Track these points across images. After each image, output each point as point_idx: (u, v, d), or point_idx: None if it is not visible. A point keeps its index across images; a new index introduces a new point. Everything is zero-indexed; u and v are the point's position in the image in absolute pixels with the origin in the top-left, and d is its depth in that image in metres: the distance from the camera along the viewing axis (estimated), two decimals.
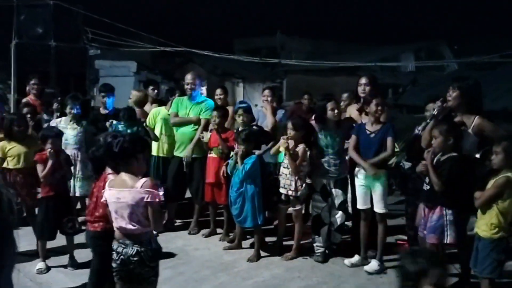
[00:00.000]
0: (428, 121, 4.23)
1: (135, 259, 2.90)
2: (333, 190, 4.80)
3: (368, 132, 4.59)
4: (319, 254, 4.88)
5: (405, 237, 5.10)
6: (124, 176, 2.96)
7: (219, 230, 5.61)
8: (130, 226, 2.91)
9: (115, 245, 2.99)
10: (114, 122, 5.66)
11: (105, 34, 9.84)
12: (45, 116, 5.99)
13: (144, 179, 2.90)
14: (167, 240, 5.24)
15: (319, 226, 4.87)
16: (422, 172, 4.05)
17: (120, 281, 3.02)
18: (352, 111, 5.23)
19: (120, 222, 2.94)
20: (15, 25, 8.14)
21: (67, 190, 4.78)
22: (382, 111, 4.55)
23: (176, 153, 5.77)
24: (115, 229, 3.01)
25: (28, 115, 5.59)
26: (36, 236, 4.56)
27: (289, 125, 4.85)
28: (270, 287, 4.30)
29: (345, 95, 5.99)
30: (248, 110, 5.33)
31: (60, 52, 8.28)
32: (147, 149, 3.22)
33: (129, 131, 5.42)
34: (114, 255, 2.97)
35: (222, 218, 5.59)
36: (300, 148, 4.76)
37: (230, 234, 5.44)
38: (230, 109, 5.96)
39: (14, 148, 4.77)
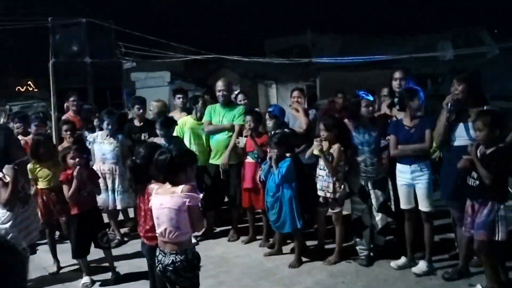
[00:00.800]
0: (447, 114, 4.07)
1: (170, 268, 2.94)
2: (372, 191, 4.64)
3: (407, 128, 4.42)
4: (363, 257, 4.73)
5: (452, 235, 4.87)
6: (169, 184, 3.01)
7: (258, 236, 5.56)
8: (169, 232, 2.95)
9: (157, 252, 3.06)
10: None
11: (138, 47, 10.04)
12: (86, 133, 6.12)
13: (183, 185, 2.93)
14: (207, 248, 5.25)
15: (361, 228, 4.72)
16: (465, 167, 3.83)
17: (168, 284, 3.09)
18: (386, 109, 5.06)
19: (161, 228, 2.99)
20: (52, 45, 8.39)
21: (96, 206, 4.72)
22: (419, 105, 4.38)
23: (212, 161, 5.76)
24: (157, 235, 3.04)
25: (68, 132, 5.74)
26: (72, 254, 4.62)
27: (321, 126, 4.75)
28: None
29: (385, 90, 5.78)
30: (275, 115, 5.26)
31: (95, 68, 8.46)
32: (196, 161, 3.22)
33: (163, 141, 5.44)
34: (156, 262, 3.04)
35: (261, 223, 5.53)
36: (335, 148, 4.63)
37: (270, 239, 5.37)
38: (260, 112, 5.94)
39: (42, 170, 4.87)
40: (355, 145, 4.66)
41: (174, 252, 2.96)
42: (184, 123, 5.91)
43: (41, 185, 4.87)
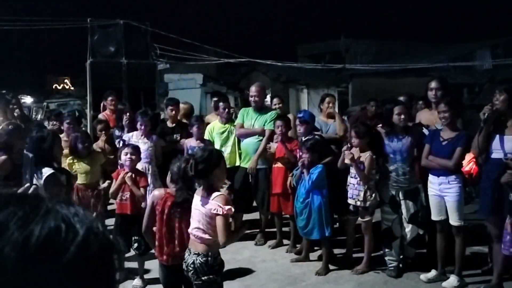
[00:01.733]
0: (481, 125, 3.94)
1: (191, 268, 2.95)
2: (403, 201, 4.54)
3: (441, 139, 4.31)
4: (392, 268, 4.63)
5: (486, 250, 4.71)
6: (203, 185, 3.02)
7: (285, 241, 5.53)
8: (197, 233, 2.97)
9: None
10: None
11: (173, 49, 10.23)
12: (116, 132, 6.26)
13: (218, 193, 2.93)
14: (234, 251, 5.25)
15: (391, 239, 4.62)
16: (509, 182, 3.69)
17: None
18: (423, 116, 4.95)
19: (192, 226, 3.02)
20: (90, 45, 8.62)
21: (137, 212, 4.35)
22: (453, 117, 4.26)
23: (241, 164, 5.78)
24: (190, 234, 3.06)
25: (103, 131, 5.89)
26: None
27: (353, 133, 4.69)
28: None
29: (420, 102, 5.66)
30: (306, 120, 5.22)
31: (131, 68, 8.63)
32: (222, 159, 3.15)
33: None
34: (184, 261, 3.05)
35: (288, 229, 5.51)
36: (367, 156, 4.56)
37: (297, 245, 5.34)
38: (291, 117, 5.92)
39: (80, 165, 4.99)
40: (386, 153, 4.58)
41: (197, 253, 2.96)
42: (213, 128, 5.95)
43: (79, 180, 4.99)
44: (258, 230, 5.82)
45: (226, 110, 5.94)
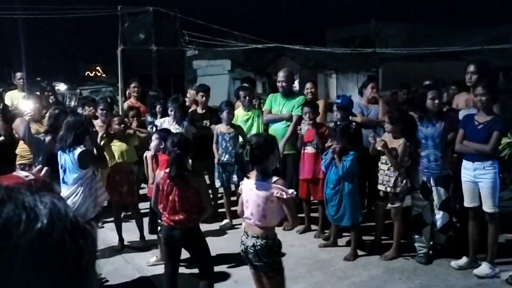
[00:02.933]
0: None
1: (251, 251, 3.04)
2: (434, 187, 4.48)
3: (476, 123, 4.21)
4: (421, 254, 4.60)
5: None
6: (257, 170, 3.09)
7: (313, 227, 5.55)
8: (254, 217, 3.05)
9: (242, 235, 3.17)
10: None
11: (201, 35, 10.28)
12: (149, 118, 6.37)
13: (276, 178, 3.03)
14: None
15: (421, 225, 4.58)
16: None
17: (250, 268, 3.21)
18: (459, 101, 4.84)
19: (248, 211, 3.10)
20: (120, 33, 8.76)
21: None
22: (489, 101, 4.14)
23: None
24: (244, 218, 3.17)
25: (135, 117, 6.02)
26: (148, 230, 4.83)
27: (386, 118, 4.63)
28: None
29: (453, 87, 5.55)
30: (343, 107, 5.17)
31: (160, 55, 8.74)
32: (276, 145, 3.27)
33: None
34: (240, 243, 3.15)
35: (316, 214, 5.52)
36: (401, 143, 4.50)
37: (325, 231, 5.35)
38: (321, 102, 5.89)
39: (115, 146, 5.15)
40: (418, 139, 4.51)
41: (256, 236, 3.04)
42: (237, 116, 5.99)
43: (115, 159, 5.12)
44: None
45: (247, 98, 5.97)
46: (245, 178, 3.18)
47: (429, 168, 4.47)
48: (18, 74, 6.94)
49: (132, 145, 5.25)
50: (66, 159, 4.09)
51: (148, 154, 4.60)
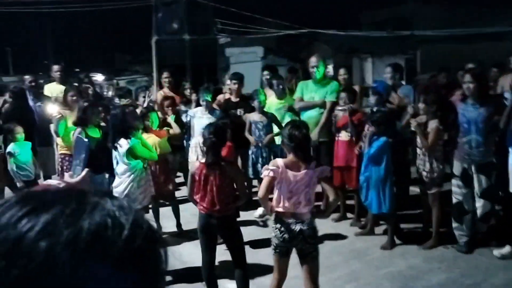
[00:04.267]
0: None
1: (300, 237, 3.16)
2: (476, 175, 4.31)
3: None
4: (462, 243, 4.47)
5: None
6: (294, 158, 3.23)
7: (349, 215, 5.49)
8: (304, 203, 3.18)
9: (278, 223, 3.23)
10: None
11: (233, 23, 10.24)
12: (182, 107, 6.43)
13: (314, 161, 3.29)
14: None
15: (461, 213, 4.44)
16: None
17: (278, 256, 3.28)
18: (505, 83, 4.62)
19: (293, 200, 3.18)
20: (154, 23, 8.86)
21: None
22: None
23: None
24: (281, 209, 3.22)
25: (170, 107, 6.08)
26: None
27: (421, 98, 4.51)
28: (406, 278, 4.06)
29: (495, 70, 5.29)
30: (378, 91, 5.04)
31: (193, 44, 8.79)
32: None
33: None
34: (278, 233, 3.21)
35: (352, 202, 5.45)
36: (433, 125, 4.37)
37: (362, 219, 5.28)
38: (356, 88, 5.78)
39: (150, 139, 5.19)
40: (458, 124, 4.35)
41: (300, 221, 3.18)
42: (270, 106, 5.94)
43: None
44: (320, 203, 5.81)
45: (281, 86, 5.91)
46: (280, 166, 3.19)
47: (470, 154, 4.30)
48: (55, 67, 7.13)
49: (164, 138, 5.29)
50: (116, 154, 4.23)
51: (193, 142, 4.62)
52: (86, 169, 4.05)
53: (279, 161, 3.29)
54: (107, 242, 0.50)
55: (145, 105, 5.81)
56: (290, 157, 3.25)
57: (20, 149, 5.24)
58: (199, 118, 5.91)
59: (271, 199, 3.34)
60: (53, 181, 1.39)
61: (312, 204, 3.25)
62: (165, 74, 7.06)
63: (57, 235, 0.48)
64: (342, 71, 6.20)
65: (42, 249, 0.47)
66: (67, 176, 3.32)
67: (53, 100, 6.50)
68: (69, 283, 0.47)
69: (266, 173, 3.25)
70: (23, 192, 0.56)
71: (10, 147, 5.22)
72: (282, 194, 3.20)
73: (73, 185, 1.53)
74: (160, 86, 7.88)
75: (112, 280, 0.50)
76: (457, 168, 4.41)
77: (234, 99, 6.30)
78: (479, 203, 4.36)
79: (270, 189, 3.29)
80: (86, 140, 4.45)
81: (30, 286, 0.47)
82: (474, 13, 17.30)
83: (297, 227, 3.15)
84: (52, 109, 5.43)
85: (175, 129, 5.74)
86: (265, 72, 6.80)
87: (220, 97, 6.45)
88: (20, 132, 5.28)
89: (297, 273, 3.43)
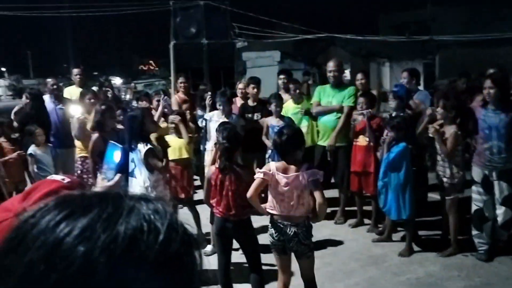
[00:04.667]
0: None
1: (295, 239, 3.21)
2: (497, 182, 4.23)
3: None
4: (482, 251, 4.38)
5: None
6: (285, 163, 3.28)
7: (366, 221, 5.44)
8: (296, 207, 3.20)
9: (273, 225, 3.30)
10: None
11: (251, 27, 10.29)
12: (199, 112, 6.46)
13: (306, 165, 3.28)
14: (313, 229, 5.24)
15: (481, 221, 4.36)
16: None
17: (276, 253, 3.38)
18: None
19: (284, 203, 3.23)
20: (172, 27, 8.92)
21: None
22: None
23: (319, 142, 5.73)
24: (274, 211, 3.28)
25: (188, 111, 6.12)
26: (210, 219, 4.89)
27: (440, 103, 4.45)
28: (425, 285, 4.00)
29: None
30: (399, 96, 4.99)
31: (211, 48, 8.82)
32: (304, 143, 3.56)
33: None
34: (273, 233, 3.29)
35: (369, 208, 5.40)
36: (451, 131, 4.32)
37: (379, 225, 5.23)
38: (373, 93, 5.74)
39: (172, 141, 5.21)
40: (480, 129, 4.28)
41: (295, 224, 3.22)
42: (287, 109, 5.93)
43: (170, 156, 5.18)
44: (336, 208, 5.77)
45: (297, 90, 5.91)
46: (271, 169, 3.26)
47: (491, 161, 4.23)
48: (75, 71, 7.23)
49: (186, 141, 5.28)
50: (133, 157, 4.21)
51: (210, 146, 4.62)
52: (119, 174, 4.02)
53: (272, 165, 3.36)
54: (143, 247, 0.50)
55: (159, 109, 5.83)
56: (282, 161, 3.33)
57: (40, 150, 5.34)
58: (216, 122, 5.92)
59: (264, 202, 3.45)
60: (58, 177, 1.39)
61: (307, 206, 3.26)
62: (180, 79, 7.10)
63: (94, 239, 0.49)
64: (359, 75, 6.16)
65: (80, 254, 0.48)
66: (99, 180, 3.35)
67: (73, 103, 6.60)
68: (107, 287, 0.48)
69: (258, 175, 3.32)
70: (62, 195, 0.57)
71: (31, 149, 5.32)
72: (275, 197, 3.29)
73: (109, 189, 1.52)
74: (177, 90, 7.94)
75: (149, 284, 0.50)
76: (477, 174, 4.34)
77: (251, 103, 6.31)
78: (500, 210, 4.28)
79: (259, 190, 3.39)
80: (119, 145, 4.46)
81: None
82: (494, 17, 17.04)
83: (292, 230, 3.21)
84: (75, 112, 5.49)
85: (185, 135, 5.77)
86: (281, 76, 6.81)
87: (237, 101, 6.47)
88: (41, 134, 5.38)
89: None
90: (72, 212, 0.52)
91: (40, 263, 0.48)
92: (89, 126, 5.11)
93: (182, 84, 7.07)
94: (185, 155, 5.06)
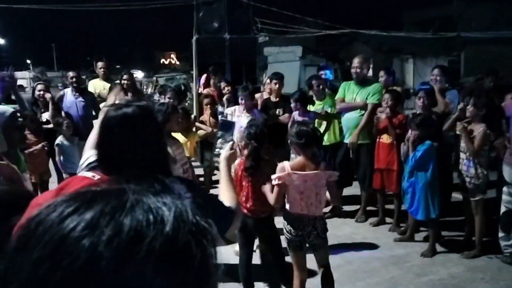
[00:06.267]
0: None
1: (313, 233, 3.30)
2: None
3: None
4: (507, 254, 4.28)
5: None
6: (302, 159, 3.29)
7: (388, 220, 5.37)
8: (316, 204, 3.27)
9: (290, 222, 3.32)
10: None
11: (273, 22, 10.24)
12: (220, 108, 6.47)
13: (324, 163, 3.37)
14: (334, 226, 5.21)
15: (510, 223, 4.25)
16: None
17: (292, 251, 3.39)
18: None
19: (303, 201, 3.25)
20: (195, 22, 8.94)
21: None
22: None
23: (344, 140, 5.67)
24: (293, 209, 3.29)
25: (208, 105, 6.14)
26: None
27: (471, 101, 4.35)
28: (448, 287, 3.93)
29: None
30: (430, 93, 4.89)
31: (233, 43, 8.81)
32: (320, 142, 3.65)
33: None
34: (291, 230, 3.31)
35: (391, 206, 5.33)
36: (480, 129, 4.21)
37: (401, 225, 5.15)
38: (398, 90, 5.65)
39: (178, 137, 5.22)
40: (506, 130, 4.17)
41: (313, 218, 3.30)
42: (310, 106, 5.86)
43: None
44: (357, 206, 5.72)
45: (320, 87, 5.84)
46: (286, 169, 3.23)
47: None
48: (99, 64, 7.30)
49: (192, 141, 5.30)
50: None
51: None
52: None
53: (286, 165, 3.29)
54: (149, 239, 0.49)
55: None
56: (298, 158, 3.33)
57: (68, 141, 5.43)
58: (238, 117, 5.92)
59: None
60: (89, 173, 1.38)
61: (323, 205, 3.37)
62: (208, 74, 7.17)
63: (98, 233, 0.49)
64: (381, 73, 6.07)
65: (85, 248, 0.48)
66: None
67: (96, 96, 6.68)
68: (113, 282, 0.47)
69: (275, 182, 3.25)
70: (70, 193, 0.56)
71: (59, 139, 5.41)
72: (292, 194, 3.28)
73: (113, 183, 1.51)
74: (200, 84, 7.95)
75: (157, 276, 0.49)
76: (509, 175, 4.23)
77: (273, 98, 6.28)
78: None
79: (283, 196, 3.31)
80: None
81: (75, 286, 0.47)
82: None
83: (310, 225, 3.29)
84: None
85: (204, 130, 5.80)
86: (314, 81, 6.61)
87: (258, 96, 6.44)
88: (69, 125, 5.47)
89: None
90: (77, 208, 0.52)
91: (46, 260, 0.48)
92: None
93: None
94: (190, 152, 5.13)
